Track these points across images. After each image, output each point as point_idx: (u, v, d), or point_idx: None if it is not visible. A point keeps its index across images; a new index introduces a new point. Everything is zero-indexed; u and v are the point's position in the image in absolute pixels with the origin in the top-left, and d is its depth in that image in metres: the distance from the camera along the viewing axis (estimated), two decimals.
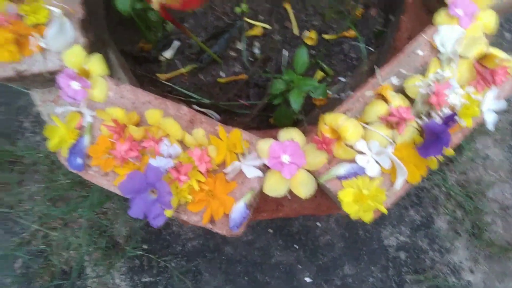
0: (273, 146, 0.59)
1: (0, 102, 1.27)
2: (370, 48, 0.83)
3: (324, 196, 0.70)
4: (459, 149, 1.26)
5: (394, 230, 1.23)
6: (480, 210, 1.24)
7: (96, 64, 0.59)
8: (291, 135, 0.59)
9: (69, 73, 0.57)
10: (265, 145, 0.59)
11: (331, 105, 0.80)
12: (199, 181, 0.55)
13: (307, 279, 1.19)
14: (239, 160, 0.57)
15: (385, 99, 0.59)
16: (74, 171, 0.59)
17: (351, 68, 0.83)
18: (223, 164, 0.57)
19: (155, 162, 0.55)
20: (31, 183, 1.19)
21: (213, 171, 0.57)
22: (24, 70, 0.60)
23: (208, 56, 0.82)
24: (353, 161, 0.57)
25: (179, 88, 0.82)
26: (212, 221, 0.57)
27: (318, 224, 1.21)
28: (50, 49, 0.60)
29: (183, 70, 0.82)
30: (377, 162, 0.57)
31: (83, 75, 0.60)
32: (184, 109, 0.59)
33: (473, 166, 1.27)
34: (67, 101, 0.59)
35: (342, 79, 0.82)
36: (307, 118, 0.81)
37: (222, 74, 0.83)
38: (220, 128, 0.57)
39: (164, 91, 0.83)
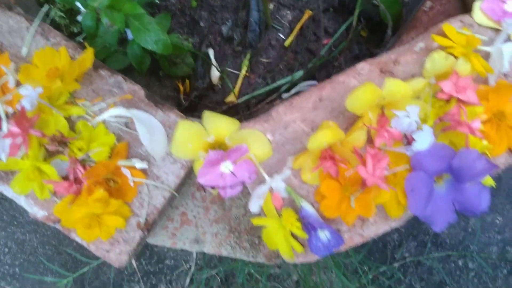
0: None
1: None
2: None
3: None
4: None
5: None
6: None
7: (223, 121, 0.38)
8: None
9: (211, 159, 0.36)
10: None
11: None
12: None
13: None
14: None
15: None
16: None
17: None
18: None
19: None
20: None
21: None
22: (146, 219, 0.39)
23: (254, 31, 0.60)
24: None
25: (258, 92, 0.61)
26: None
27: None
28: (155, 163, 0.38)
29: (243, 72, 0.61)
30: None
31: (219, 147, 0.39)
32: (365, 67, 0.39)
33: None
34: (232, 194, 0.38)
35: None
36: None
37: (280, 36, 0.62)
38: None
39: (248, 106, 0.62)
